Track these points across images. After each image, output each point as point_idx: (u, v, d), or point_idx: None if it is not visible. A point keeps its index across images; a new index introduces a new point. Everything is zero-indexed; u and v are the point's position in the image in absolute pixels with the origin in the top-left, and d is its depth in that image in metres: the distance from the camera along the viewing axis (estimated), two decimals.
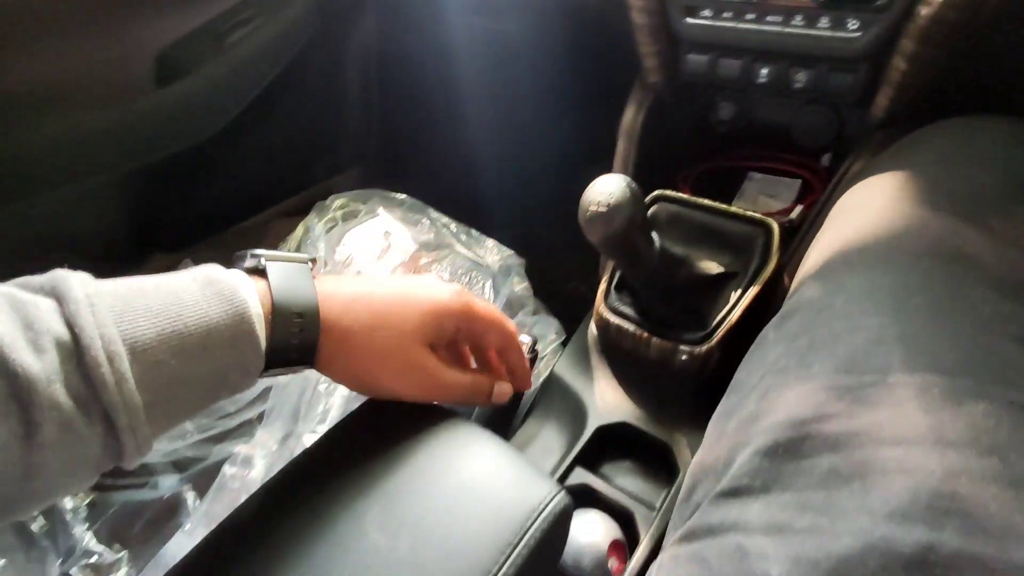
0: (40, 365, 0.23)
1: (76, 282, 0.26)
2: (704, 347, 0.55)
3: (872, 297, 0.34)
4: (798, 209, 0.69)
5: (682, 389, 0.58)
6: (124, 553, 0.59)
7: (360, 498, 0.31)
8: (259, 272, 0.32)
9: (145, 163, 0.76)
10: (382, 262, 0.74)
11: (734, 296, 0.56)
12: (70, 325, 0.25)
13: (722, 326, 0.54)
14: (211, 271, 0.30)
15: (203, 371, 0.28)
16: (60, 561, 0.56)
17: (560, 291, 0.81)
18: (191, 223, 0.88)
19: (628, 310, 0.59)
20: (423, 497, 0.32)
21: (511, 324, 0.42)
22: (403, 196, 0.83)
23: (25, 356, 0.23)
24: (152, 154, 0.74)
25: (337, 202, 0.83)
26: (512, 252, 0.77)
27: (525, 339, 0.47)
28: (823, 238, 0.44)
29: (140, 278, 0.29)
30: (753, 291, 0.56)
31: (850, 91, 0.58)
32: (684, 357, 0.56)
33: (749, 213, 0.59)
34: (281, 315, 0.31)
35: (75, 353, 0.24)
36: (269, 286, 0.31)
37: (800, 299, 0.39)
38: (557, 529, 0.33)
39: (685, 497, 0.36)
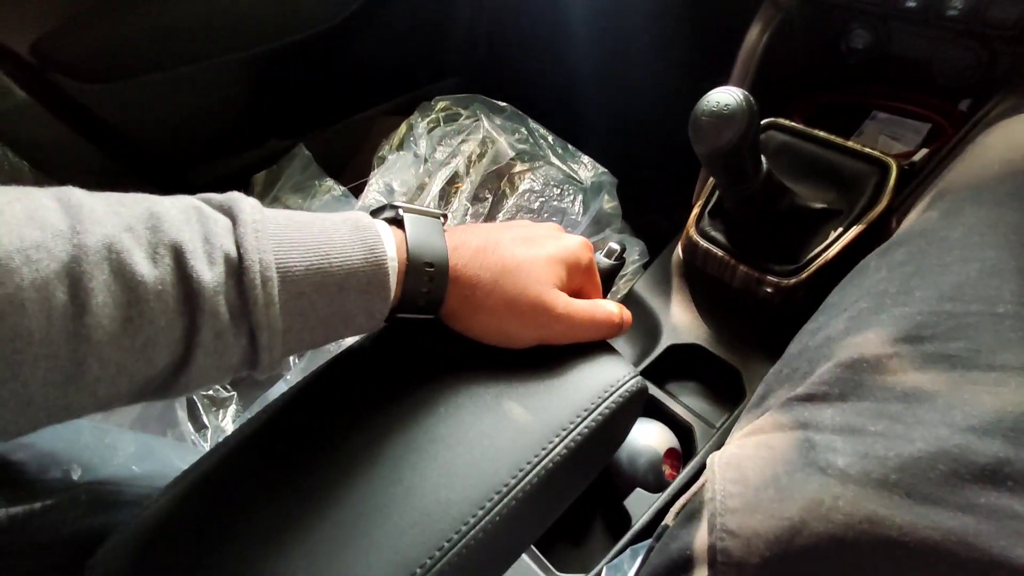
0: (210, 275, 0.26)
1: (247, 206, 0.28)
2: (792, 280, 0.54)
3: (994, 230, 0.32)
4: (922, 153, 0.64)
5: (761, 319, 0.58)
6: (234, 393, 0.68)
7: (442, 369, 0.34)
8: (397, 222, 0.33)
9: (269, 47, 0.80)
10: (478, 167, 0.76)
11: (833, 234, 0.54)
12: (238, 245, 0.27)
13: (815, 262, 0.53)
14: (360, 218, 0.32)
15: (335, 309, 0.30)
16: None
17: (644, 221, 0.81)
18: (303, 112, 0.93)
19: (718, 235, 0.59)
20: (511, 367, 0.34)
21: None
22: (504, 104, 0.84)
23: (201, 266, 0.26)
24: (276, 38, 0.78)
25: (440, 104, 0.85)
26: (606, 170, 0.76)
27: (614, 245, 0.48)
28: (950, 173, 0.42)
29: (299, 213, 0.30)
30: (855, 231, 0.54)
31: (1015, 24, 0.52)
32: (769, 289, 0.56)
33: (867, 150, 0.56)
34: (414, 265, 0.32)
35: (238, 271, 0.27)
36: (406, 237, 0.32)
37: (912, 229, 0.38)
38: (629, 407, 0.34)
39: (756, 403, 0.37)
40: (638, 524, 0.48)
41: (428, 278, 0.32)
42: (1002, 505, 0.23)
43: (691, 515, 0.31)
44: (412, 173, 0.75)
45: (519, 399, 0.33)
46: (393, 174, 0.76)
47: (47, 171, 0.65)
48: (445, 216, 0.36)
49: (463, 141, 0.78)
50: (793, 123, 0.60)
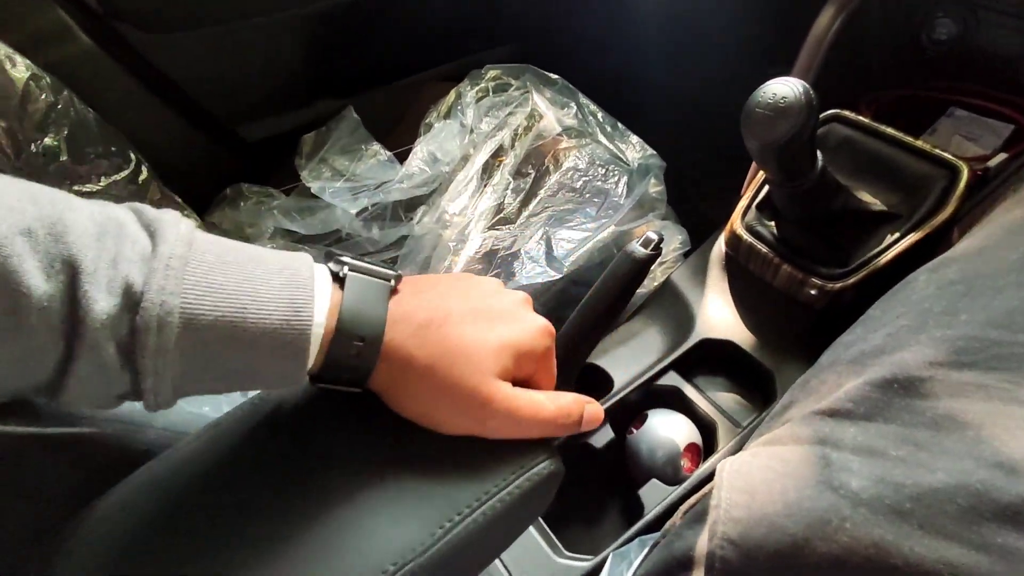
0: (102, 305, 0.24)
1: (174, 235, 0.26)
2: (838, 284, 0.52)
3: None
4: (999, 157, 0.60)
5: (801, 323, 0.56)
6: None
7: (349, 432, 0.32)
8: (340, 279, 0.30)
9: (325, 5, 0.80)
10: (523, 141, 0.75)
11: (889, 239, 0.51)
12: (145, 279, 0.25)
13: (866, 267, 0.51)
14: (300, 270, 0.29)
15: (242, 365, 0.27)
16: None
17: (689, 209, 0.78)
18: (354, 75, 0.93)
19: (764, 231, 0.57)
20: (415, 438, 0.32)
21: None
22: (555, 77, 0.82)
23: (96, 292, 0.24)
24: None
25: (491, 73, 0.84)
26: (654, 153, 0.74)
27: (652, 234, 0.47)
28: None
29: (236, 249, 0.28)
30: (913, 238, 0.51)
31: None
32: (812, 291, 0.54)
33: (937, 151, 0.52)
34: (343, 335, 0.29)
35: (135, 307, 0.25)
36: (342, 301, 0.29)
37: (969, 247, 0.35)
38: (540, 490, 0.32)
39: (778, 413, 0.36)
40: (649, 515, 0.48)
41: (355, 352, 0.29)
42: (1020, 547, 0.22)
43: (697, 517, 0.31)
44: (456, 143, 0.75)
45: (416, 474, 0.31)
46: (438, 143, 0.76)
47: (111, 120, 0.68)
48: (399, 278, 0.33)
49: (510, 113, 0.77)
50: (858, 117, 0.57)
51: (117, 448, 0.37)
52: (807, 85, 0.41)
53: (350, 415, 0.33)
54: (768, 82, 0.42)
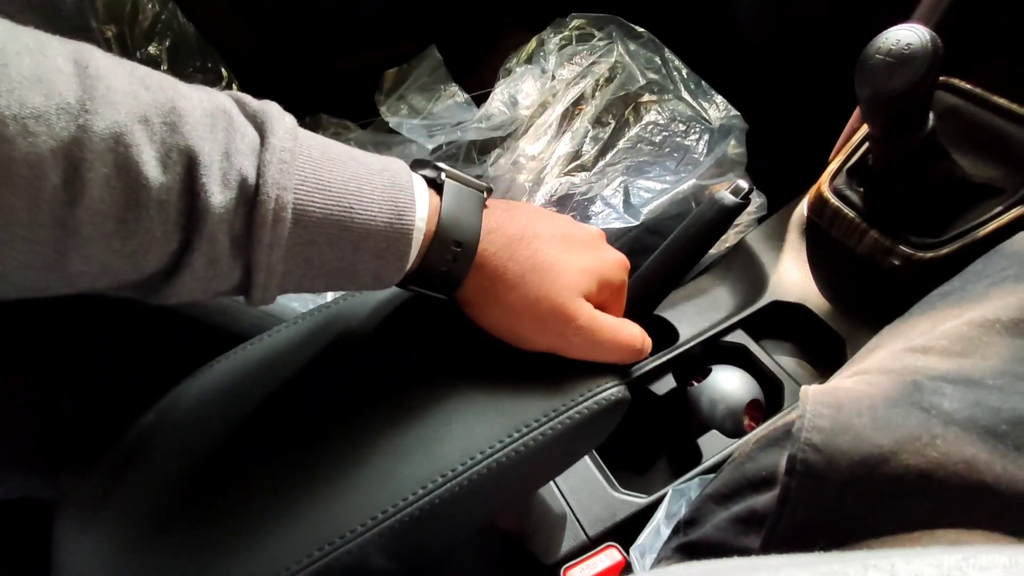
0: (220, 198, 0.24)
1: (281, 128, 0.26)
2: (928, 254, 0.50)
3: None
4: None
5: (879, 292, 0.55)
6: None
7: (430, 333, 0.33)
8: (437, 186, 0.30)
9: None
10: (605, 91, 0.74)
11: (989, 213, 0.49)
12: (259, 172, 0.24)
13: (962, 239, 0.49)
14: (399, 173, 0.29)
15: (345, 264, 0.27)
16: None
17: (769, 175, 0.76)
18: (439, 15, 0.93)
19: (853, 195, 0.55)
20: (498, 347, 0.32)
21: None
22: (642, 30, 0.80)
23: (213, 184, 0.23)
24: None
25: (575, 22, 0.83)
26: (738, 114, 0.72)
27: (743, 183, 0.46)
28: None
29: (336, 147, 0.28)
30: (1013, 213, 0.49)
31: None
32: (897, 261, 0.53)
33: None
34: (441, 239, 0.29)
35: (251, 200, 0.24)
36: (440, 206, 0.29)
37: None
38: (605, 416, 0.32)
39: (863, 353, 0.36)
40: (711, 460, 0.48)
41: (452, 257, 0.29)
42: None
43: (773, 442, 0.32)
44: (537, 88, 0.75)
45: (491, 386, 0.32)
46: (518, 87, 0.76)
47: (208, 37, 0.69)
48: (490, 190, 0.33)
49: (593, 63, 0.76)
50: (968, 85, 0.54)
51: (221, 325, 0.40)
52: (935, 34, 0.40)
53: (430, 327, 0.34)
54: (891, 28, 0.41)
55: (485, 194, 0.32)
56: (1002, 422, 0.24)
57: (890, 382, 0.28)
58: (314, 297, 0.53)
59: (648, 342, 0.36)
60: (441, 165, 0.31)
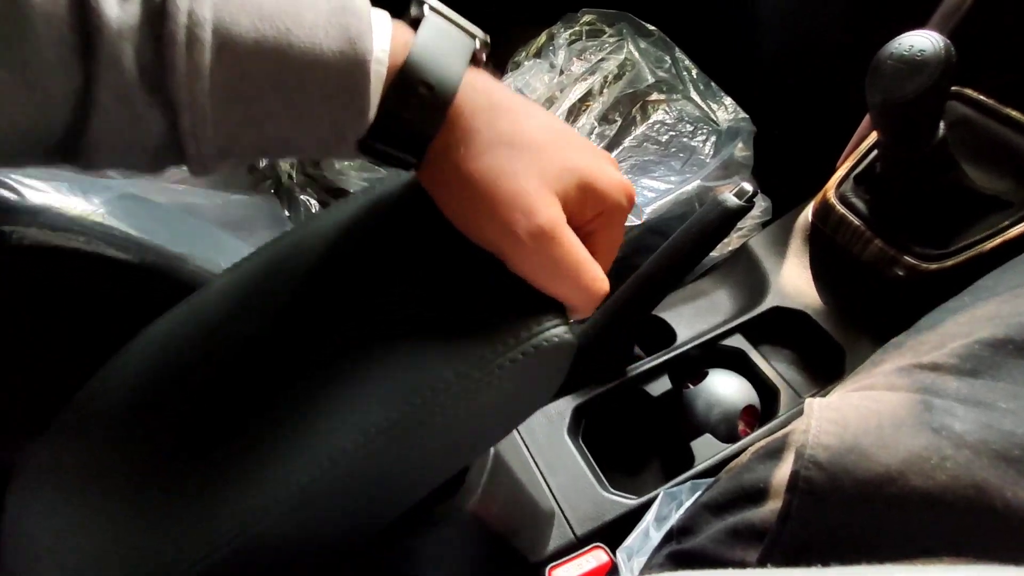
0: (117, 12, 0.20)
1: None
2: (933, 265, 0.50)
3: None
4: None
5: (881, 302, 0.54)
6: None
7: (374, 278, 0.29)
8: (413, 23, 0.25)
9: None
10: (613, 88, 0.73)
11: (997, 226, 0.49)
12: None
13: (968, 251, 0.48)
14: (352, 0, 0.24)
15: (291, 110, 0.23)
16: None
17: (775, 180, 0.76)
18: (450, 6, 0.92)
19: (859, 203, 0.55)
20: (442, 286, 0.28)
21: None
22: (652, 28, 0.79)
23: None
24: None
25: (586, 17, 0.82)
26: (746, 117, 0.72)
27: (747, 186, 0.45)
28: None
29: None
30: (1022, 228, 0.48)
31: None
32: (901, 272, 0.52)
33: None
34: (407, 77, 0.23)
35: (158, 13, 0.20)
36: (413, 41, 0.24)
37: None
38: (551, 356, 0.26)
39: (868, 367, 0.35)
40: (703, 464, 0.48)
41: (420, 103, 0.24)
42: None
43: (772, 453, 0.31)
44: (545, 82, 0.74)
45: (434, 327, 0.27)
46: (525, 80, 0.75)
47: None
48: (487, 45, 0.27)
49: (603, 59, 0.75)
50: (980, 96, 0.54)
51: (161, 278, 0.38)
52: (948, 41, 0.39)
53: (374, 260, 0.30)
54: (904, 34, 0.40)
55: (478, 44, 0.26)
56: (1015, 447, 0.24)
57: (898, 400, 0.28)
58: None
59: (606, 285, 0.28)
60: (430, 1, 0.26)
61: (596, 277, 0.27)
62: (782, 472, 0.29)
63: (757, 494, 0.30)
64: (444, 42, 0.25)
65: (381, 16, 0.24)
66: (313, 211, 0.72)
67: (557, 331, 0.26)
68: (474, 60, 0.26)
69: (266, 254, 0.32)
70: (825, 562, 0.25)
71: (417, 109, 0.24)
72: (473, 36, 0.26)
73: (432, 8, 0.25)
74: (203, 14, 0.20)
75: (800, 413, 0.48)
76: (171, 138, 0.22)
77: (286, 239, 0.32)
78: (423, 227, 0.29)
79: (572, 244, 0.26)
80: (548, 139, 0.26)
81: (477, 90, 0.25)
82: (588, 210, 0.27)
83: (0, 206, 0.35)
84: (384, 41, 0.24)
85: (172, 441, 0.28)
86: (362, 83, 0.23)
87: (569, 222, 0.26)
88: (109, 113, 0.21)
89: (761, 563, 0.27)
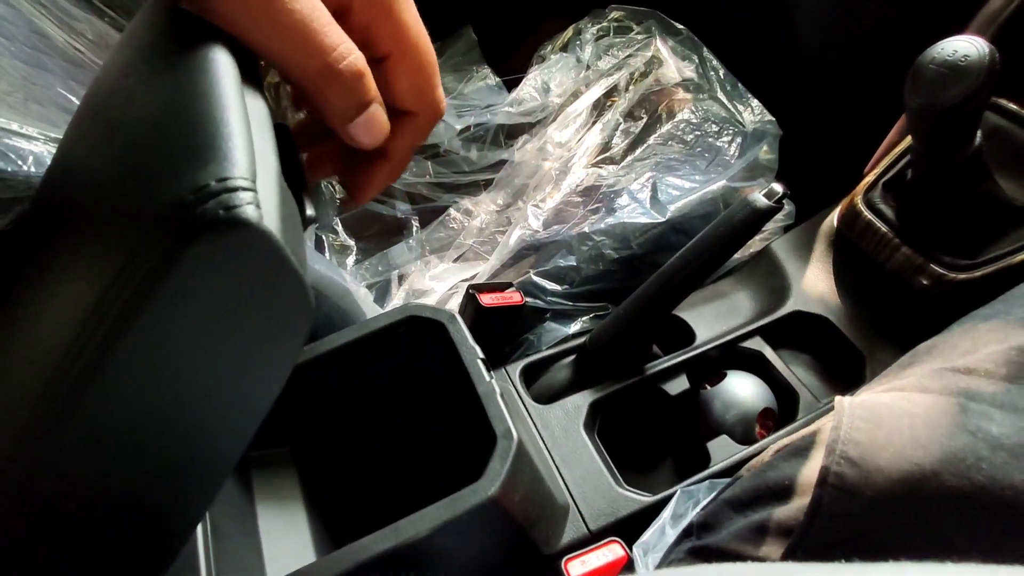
0: None
1: None
2: (961, 276, 0.49)
3: None
4: None
5: (905, 310, 0.54)
6: (356, 243, 0.72)
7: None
8: None
9: None
10: (639, 85, 0.73)
11: None
12: None
13: (998, 262, 0.48)
14: None
15: None
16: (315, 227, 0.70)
17: (800, 185, 0.75)
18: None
19: (887, 210, 0.54)
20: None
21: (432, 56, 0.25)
22: (681, 27, 0.79)
23: None
24: None
25: (614, 13, 0.81)
26: (772, 120, 0.71)
27: (777, 187, 0.45)
28: None
29: None
30: None
31: None
32: (926, 281, 0.52)
33: None
34: None
35: None
36: None
37: None
38: (235, 248, 0.16)
39: (897, 368, 0.35)
40: (720, 464, 0.47)
41: None
42: None
43: (798, 451, 0.31)
44: (571, 76, 0.74)
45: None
46: (551, 74, 0.74)
47: None
48: None
49: (630, 55, 0.75)
50: (1014, 106, 0.53)
51: None
52: (992, 47, 0.39)
53: None
54: (949, 38, 0.40)
55: None
56: None
57: (932, 402, 0.27)
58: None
59: (376, 112, 0.23)
60: None
61: (336, 42, 0.21)
62: (810, 469, 0.28)
63: (783, 491, 0.29)
64: None
65: None
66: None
67: (230, 197, 0.15)
68: None
69: None
70: (850, 559, 0.24)
71: None
72: None
73: None
74: None
75: (822, 415, 0.48)
76: None
77: None
78: None
79: (319, 15, 0.21)
80: None
81: None
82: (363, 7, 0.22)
83: None
84: None
85: None
86: None
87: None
88: None
89: (786, 558, 0.27)
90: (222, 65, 0.18)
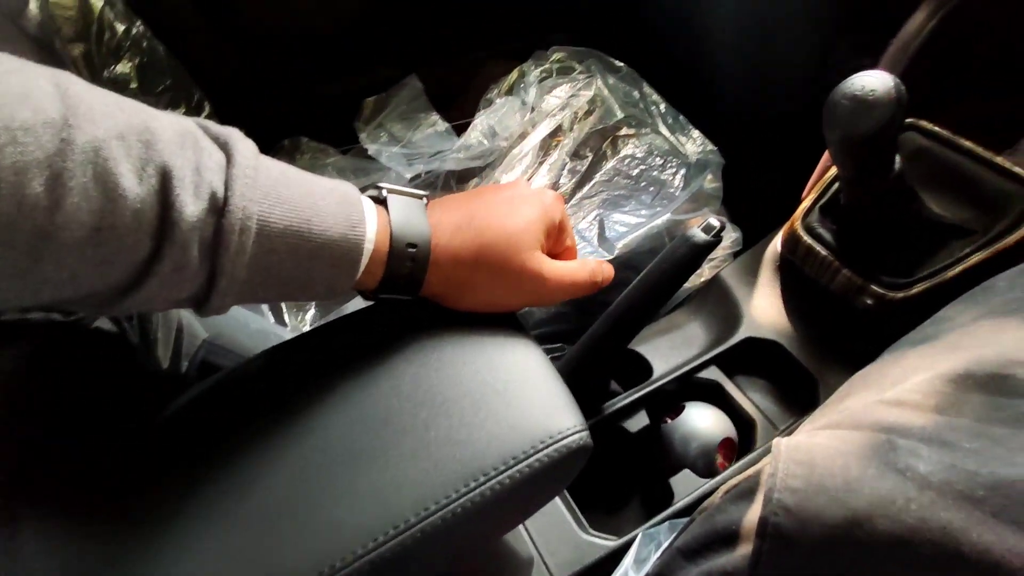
0: (193, 208, 0.25)
1: (244, 149, 0.28)
2: (899, 295, 0.50)
3: None
4: None
5: (851, 332, 0.55)
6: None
7: (387, 367, 0.33)
8: (380, 202, 0.33)
9: None
10: (583, 124, 0.74)
11: (958, 254, 0.50)
12: (227, 186, 0.27)
13: (932, 279, 0.49)
14: (349, 192, 0.32)
15: (300, 273, 0.30)
16: None
17: (744, 210, 0.77)
18: (420, 44, 0.93)
19: (825, 234, 0.55)
20: (454, 382, 0.32)
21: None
22: (620, 64, 0.81)
23: (187, 196, 0.25)
24: None
25: (556, 55, 0.84)
26: (715, 149, 0.73)
27: (714, 221, 0.46)
28: None
29: (292, 169, 0.31)
30: (983, 254, 0.49)
31: None
32: (869, 300, 0.53)
33: (1019, 170, 0.50)
34: (397, 246, 0.32)
35: (220, 211, 0.26)
36: (389, 219, 0.32)
37: None
38: (565, 464, 0.30)
39: (834, 401, 0.35)
40: (682, 501, 0.47)
41: (410, 259, 0.32)
42: None
43: (743, 494, 0.31)
44: (517, 120, 0.75)
45: (449, 427, 0.30)
46: (498, 118, 0.76)
47: (179, 55, 0.69)
48: (429, 197, 0.36)
49: (572, 95, 0.77)
50: (936, 128, 0.55)
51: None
52: (898, 80, 0.40)
53: (381, 361, 0.33)
54: (857, 74, 0.41)
55: (424, 200, 0.35)
56: (979, 487, 0.23)
57: (863, 439, 0.27)
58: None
59: (606, 272, 0.39)
60: (381, 184, 0.35)
61: (588, 272, 0.38)
62: (753, 514, 0.28)
63: (729, 537, 0.29)
64: (409, 210, 0.33)
65: (368, 202, 0.33)
66: None
67: (576, 437, 0.31)
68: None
69: (297, 343, 0.36)
70: None
71: (410, 264, 0.33)
72: (421, 196, 0.35)
73: (389, 190, 0.34)
74: (252, 209, 0.27)
75: (769, 451, 0.48)
76: (203, 292, 0.28)
77: (314, 336, 0.36)
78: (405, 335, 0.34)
79: (569, 268, 0.37)
80: (502, 219, 0.35)
81: (436, 228, 0.34)
82: (552, 235, 0.37)
83: None
84: (372, 224, 0.32)
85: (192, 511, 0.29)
86: (357, 257, 0.31)
87: (547, 251, 0.36)
88: (163, 279, 0.26)
89: None
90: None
